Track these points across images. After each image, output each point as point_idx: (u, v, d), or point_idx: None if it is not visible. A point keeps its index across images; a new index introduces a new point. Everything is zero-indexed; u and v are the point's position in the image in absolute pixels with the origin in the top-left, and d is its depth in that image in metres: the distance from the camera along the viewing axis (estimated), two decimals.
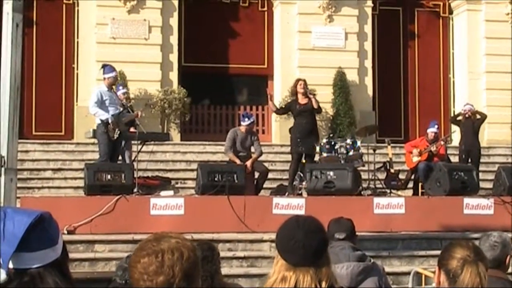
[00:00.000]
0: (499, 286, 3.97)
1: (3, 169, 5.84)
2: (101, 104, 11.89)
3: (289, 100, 13.14)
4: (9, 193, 5.88)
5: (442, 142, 14.09)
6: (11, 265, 2.20)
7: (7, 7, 6.03)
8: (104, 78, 12.18)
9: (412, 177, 14.14)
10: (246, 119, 13.23)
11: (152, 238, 2.37)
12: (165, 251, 2.27)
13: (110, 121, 11.76)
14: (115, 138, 11.84)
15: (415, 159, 13.76)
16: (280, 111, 14.00)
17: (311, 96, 12.76)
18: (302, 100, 12.77)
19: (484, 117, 15.10)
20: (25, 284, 2.17)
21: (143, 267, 2.27)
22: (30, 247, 2.20)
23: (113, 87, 12.34)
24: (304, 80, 13.02)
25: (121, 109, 12.29)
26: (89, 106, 12.20)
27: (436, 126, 14.33)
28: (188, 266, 2.28)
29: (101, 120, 11.85)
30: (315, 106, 12.69)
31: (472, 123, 14.76)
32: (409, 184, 14.29)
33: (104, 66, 12.36)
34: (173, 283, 2.24)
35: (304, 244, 2.85)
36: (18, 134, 6.14)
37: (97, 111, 11.87)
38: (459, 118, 15.10)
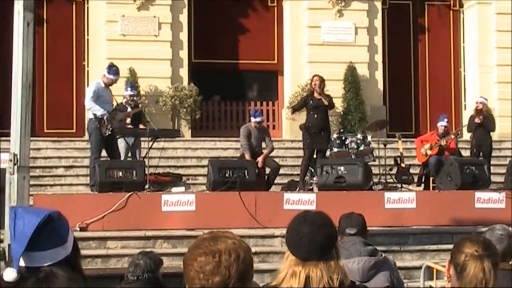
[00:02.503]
0: (507, 280, 4.00)
1: (16, 167, 5.89)
2: (96, 99, 11.88)
3: (304, 94, 13.09)
4: (22, 190, 5.93)
5: (452, 136, 14.06)
6: (22, 264, 2.25)
7: (18, 6, 6.07)
8: (104, 75, 12.14)
9: (423, 171, 14.12)
10: (257, 117, 13.23)
11: (208, 237, 2.38)
12: (222, 252, 2.29)
13: (104, 117, 11.76)
14: (107, 134, 11.85)
15: (427, 153, 13.73)
16: (297, 107, 13.53)
17: (320, 96, 12.69)
18: (317, 95, 12.78)
19: (492, 128, 14.92)
20: (41, 280, 2.21)
21: (199, 266, 2.29)
22: (40, 246, 2.24)
23: (110, 87, 12.27)
24: (320, 77, 12.94)
25: (115, 107, 12.30)
26: (85, 100, 12.18)
27: (446, 120, 14.27)
28: (244, 268, 2.31)
29: (94, 115, 11.84)
30: (326, 103, 12.68)
31: (483, 120, 14.64)
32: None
33: (111, 66, 12.29)
34: (228, 284, 2.27)
35: (309, 238, 2.88)
36: (30, 132, 6.19)
37: (93, 105, 11.85)
38: (473, 116, 14.95)
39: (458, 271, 3.06)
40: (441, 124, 14.06)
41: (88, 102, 11.96)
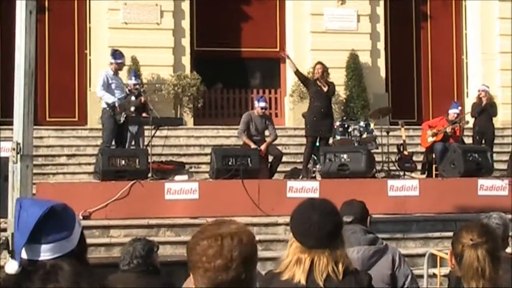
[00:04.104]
0: (504, 266, 4.04)
1: (19, 155, 5.89)
2: (107, 87, 11.96)
3: (306, 75, 13.02)
4: (26, 179, 5.93)
5: (458, 125, 14.05)
6: (25, 256, 2.23)
7: None
8: (112, 63, 12.23)
9: (427, 159, 14.10)
10: (261, 101, 13.24)
11: (212, 223, 2.40)
12: (225, 236, 2.30)
13: (117, 104, 11.84)
14: (121, 121, 11.91)
15: (430, 139, 13.71)
16: (299, 74, 13.08)
17: (322, 84, 12.61)
18: (318, 82, 12.72)
19: (495, 114, 14.98)
20: (46, 274, 2.19)
21: (202, 249, 2.30)
22: (42, 238, 2.21)
23: (119, 72, 12.40)
24: (323, 65, 12.86)
25: (127, 93, 12.37)
26: (97, 89, 12.30)
27: (459, 108, 14.24)
28: (246, 252, 2.31)
29: (107, 104, 11.91)
30: (324, 89, 12.58)
31: (486, 105, 14.67)
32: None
33: (114, 51, 12.43)
34: (230, 267, 2.27)
35: (320, 226, 2.87)
36: (33, 120, 6.18)
37: (104, 94, 11.97)
38: (476, 103, 14.98)
39: (458, 261, 3.11)
40: (454, 111, 14.00)
41: (99, 91, 12.10)
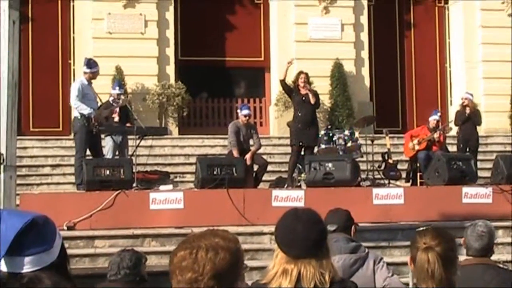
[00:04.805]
0: (489, 273, 4.12)
1: (2, 166, 5.85)
2: (82, 97, 11.82)
3: (291, 86, 12.92)
4: (9, 190, 5.89)
5: (441, 132, 14.11)
6: (4, 269, 2.18)
7: (4, 4, 6.02)
8: (86, 72, 12.08)
9: (411, 167, 14.16)
10: (244, 109, 13.23)
11: (199, 233, 2.39)
12: (200, 249, 2.29)
13: (92, 116, 11.71)
14: (95, 132, 11.80)
15: (415, 148, 13.77)
16: (285, 83, 12.79)
17: (309, 92, 12.63)
18: (303, 91, 12.71)
19: (479, 122, 15.05)
20: (24, 286, 2.16)
21: (178, 261, 2.30)
22: (22, 251, 2.17)
23: (92, 81, 12.24)
24: (306, 74, 12.88)
25: (99, 103, 12.24)
26: (70, 99, 12.11)
27: (439, 114, 14.36)
28: (220, 266, 2.27)
29: (82, 115, 11.79)
30: (312, 101, 12.60)
31: (470, 113, 14.75)
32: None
33: (88, 60, 12.25)
34: (201, 281, 2.25)
35: (304, 236, 2.87)
36: (16, 131, 6.15)
37: (79, 104, 11.80)
38: (460, 111, 15.07)
39: (414, 264, 3.29)
40: (434, 118, 14.13)
41: (74, 101, 11.90)
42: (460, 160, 12.71)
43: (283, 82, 12.85)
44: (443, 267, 3.17)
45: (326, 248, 2.97)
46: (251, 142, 13.19)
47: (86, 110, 11.71)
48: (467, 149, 14.53)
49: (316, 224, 2.95)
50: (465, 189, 11.99)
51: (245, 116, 13.06)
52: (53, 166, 15.33)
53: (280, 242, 2.92)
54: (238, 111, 13.41)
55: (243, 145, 12.91)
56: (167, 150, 16.31)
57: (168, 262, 2.37)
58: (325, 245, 2.98)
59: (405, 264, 10.08)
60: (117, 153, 13.48)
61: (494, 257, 4.53)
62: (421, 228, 3.41)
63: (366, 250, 4.74)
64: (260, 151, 13.47)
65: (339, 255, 4.56)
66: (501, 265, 4.69)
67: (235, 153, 12.72)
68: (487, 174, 13.79)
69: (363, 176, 13.32)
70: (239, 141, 12.88)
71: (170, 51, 18.44)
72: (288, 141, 13.73)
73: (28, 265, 2.18)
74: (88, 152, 12.24)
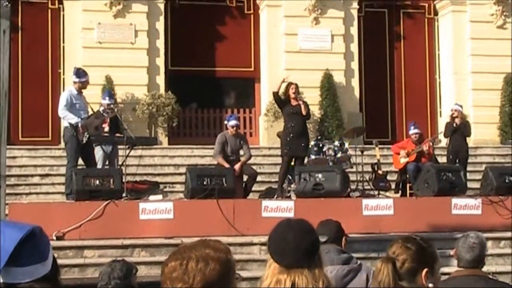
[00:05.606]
0: (480, 284, 4.13)
1: None
2: (70, 107, 11.76)
3: (283, 98, 12.90)
4: None
5: (430, 143, 14.13)
6: (0, 279, 2.19)
7: None
8: (75, 82, 12.02)
9: (400, 178, 14.17)
10: (231, 120, 13.22)
11: (190, 244, 2.39)
12: (191, 259, 2.28)
13: (80, 125, 11.65)
14: (84, 142, 11.75)
15: (403, 160, 13.79)
16: (278, 96, 12.82)
17: (300, 102, 12.63)
18: (293, 102, 12.71)
19: (468, 134, 15.07)
20: None
21: (168, 271, 2.30)
22: (20, 262, 2.18)
23: (82, 91, 12.17)
24: (296, 85, 12.88)
25: (90, 113, 12.17)
26: (59, 109, 12.04)
27: (415, 126, 14.25)
28: (210, 277, 2.27)
29: (70, 124, 11.74)
30: (304, 112, 12.61)
31: (459, 125, 14.78)
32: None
33: (77, 70, 12.20)
34: None
35: (295, 245, 2.87)
36: (6, 140, 6.12)
37: (66, 114, 11.73)
38: (449, 122, 15.10)
39: None
40: (413, 132, 14.11)
41: (62, 111, 11.83)
42: (449, 171, 12.74)
43: (276, 95, 12.87)
44: (403, 279, 3.20)
45: (318, 258, 2.97)
46: (241, 152, 13.19)
47: (73, 120, 11.64)
48: (457, 161, 14.56)
49: (307, 233, 2.95)
50: (455, 200, 12.02)
51: (232, 126, 13.06)
52: (42, 176, 15.27)
53: (272, 251, 2.92)
54: (226, 122, 13.41)
55: (229, 156, 12.90)
56: (156, 160, 16.28)
57: (160, 272, 2.36)
58: (318, 255, 2.97)
59: None
60: (107, 163, 13.45)
61: (483, 268, 4.54)
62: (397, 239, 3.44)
63: (359, 262, 4.74)
64: (250, 161, 13.47)
65: (332, 266, 4.55)
66: (491, 276, 4.69)
67: (221, 162, 12.70)
68: (477, 185, 13.82)
69: (353, 187, 13.33)
70: (224, 152, 12.87)
71: (160, 61, 18.44)
72: (278, 152, 13.73)
73: (24, 276, 2.19)
74: (81, 161, 12.18)
